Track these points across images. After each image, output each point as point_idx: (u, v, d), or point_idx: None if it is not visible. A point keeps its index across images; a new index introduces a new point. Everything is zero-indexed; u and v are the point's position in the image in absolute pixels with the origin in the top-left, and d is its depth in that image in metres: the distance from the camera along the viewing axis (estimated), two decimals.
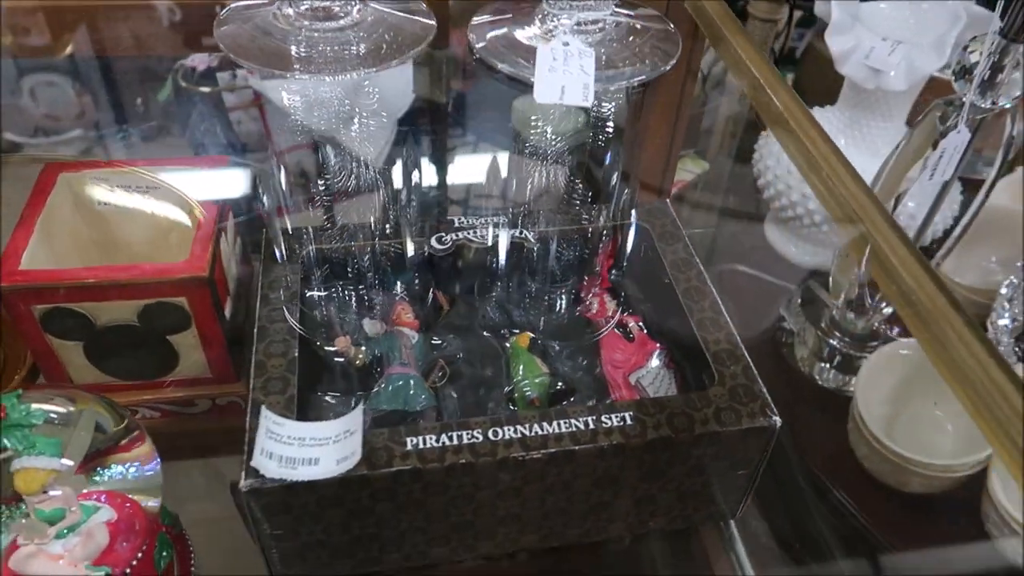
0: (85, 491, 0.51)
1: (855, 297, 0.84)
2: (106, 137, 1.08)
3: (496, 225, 0.64)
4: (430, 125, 1.04)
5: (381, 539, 0.54)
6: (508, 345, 0.61)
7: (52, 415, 0.46)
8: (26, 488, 0.46)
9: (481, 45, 0.58)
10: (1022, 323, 0.78)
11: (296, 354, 0.55)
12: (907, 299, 0.43)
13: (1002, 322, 0.79)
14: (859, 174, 0.49)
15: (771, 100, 0.53)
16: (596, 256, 0.64)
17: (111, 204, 0.65)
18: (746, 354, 0.56)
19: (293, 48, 0.57)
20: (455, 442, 0.50)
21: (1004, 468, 0.66)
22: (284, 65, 0.57)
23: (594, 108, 0.67)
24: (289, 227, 0.64)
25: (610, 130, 0.65)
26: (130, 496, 0.51)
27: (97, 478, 0.52)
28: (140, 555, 0.50)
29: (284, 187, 0.62)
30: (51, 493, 0.47)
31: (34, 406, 0.45)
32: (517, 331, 0.62)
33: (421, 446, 0.50)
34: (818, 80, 1.05)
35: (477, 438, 0.50)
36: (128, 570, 0.49)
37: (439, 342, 0.62)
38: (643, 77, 0.56)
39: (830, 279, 0.90)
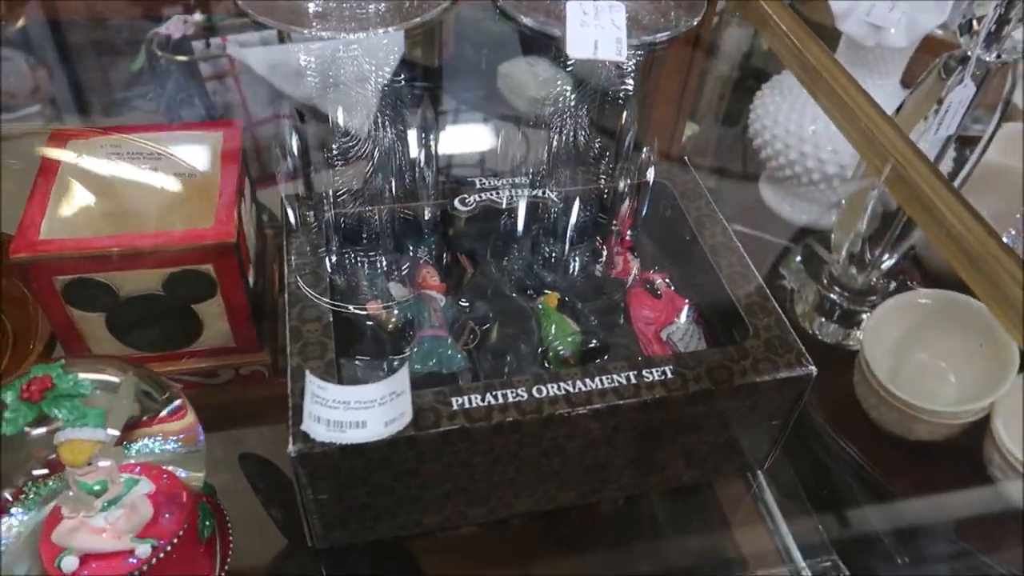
0: (123, 463, 0.50)
1: (857, 251, 0.86)
2: (82, 109, 1.05)
3: (518, 186, 0.64)
4: (422, 90, 1.03)
5: (423, 501, 0.54)
6: (539, 305, 0.60)
7: (98, 384, 0.45)
8: (73, 460, 0.45)
9: None
10: None
11: (331, 318, 0.54)
12: (950, 234, 0.44)
13: None
14: (895, 122, 0.50)
15: (802, 53, 0.54)
16: (618, 215, 0.64)
17: (121, 174, 0.63)
18: (777, 306, 0.57)
19: (311, 5, 0.56)
20: (500, 401, 0.50)
21: (1008, 411, 0.69)
22: (302, 22, 0.56)
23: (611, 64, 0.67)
24: (302, 192, 0.62)
25: (629, 88, 0.65)
26: (173, 469, 0.51)
27: (137, 450, 0.51)
28: (185, 526, 0.50)
29: (298, 152, 0.61)
30: (99, 464, 0.46)
31: (81, 376, 0.44)
32: (545, 291, 0.62)
33: (467, 406, 0.50)
34: None
35: (522, 396, 0.50)
36: (175, 541, 0.49)
37: (467, 305, 0.61)
38: (670, 33, 0.56)
39: (832, 235, 0.92)
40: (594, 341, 0.58)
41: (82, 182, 0.62)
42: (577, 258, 0.65)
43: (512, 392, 0.50)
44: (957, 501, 0.72)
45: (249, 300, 0.60)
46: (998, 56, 0.67)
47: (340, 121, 0.68)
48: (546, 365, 0.58)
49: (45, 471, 0.47)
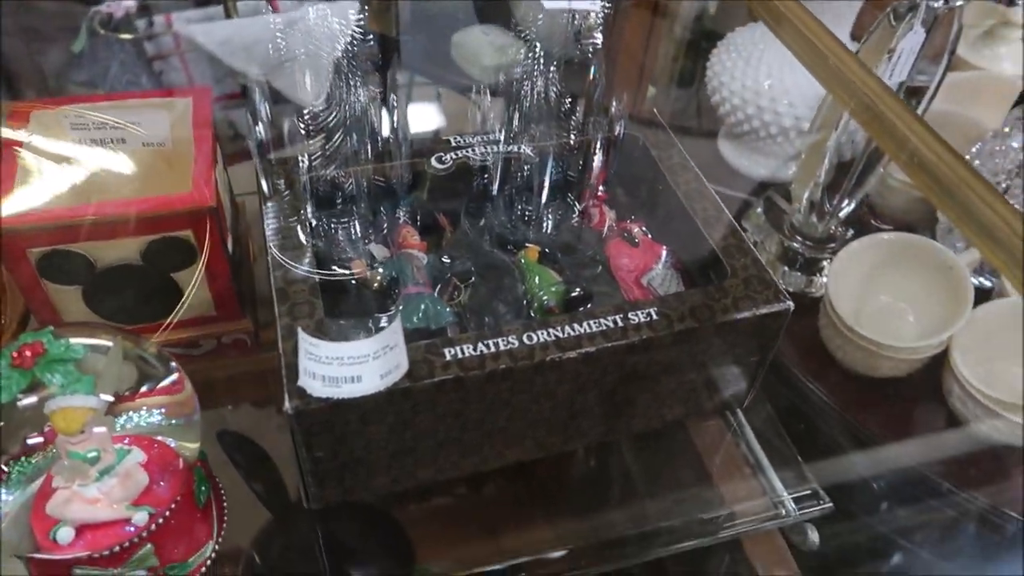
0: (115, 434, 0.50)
1: (817, 200, 0.88)
2: (18, 94, 1.02)
3: (493, 143, 0.64)
4: (380, 60, 1.02)
5: (417, 453, 0.55)
6: (520, 259, 0.61)
7: (88, 349, 0.45)
8: (67, 428, 0.45)
9: None
10: None
11: (317, 279, 0.54)
12: (923, 163, 0.46)
13: None
14: (861, 60, 0.52)
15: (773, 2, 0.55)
16: (591, 168, 0.65)
17: (87, 146, 0.62)
18: (753, 247, 0.59)
19: None
20: (492, 349, 0.51)
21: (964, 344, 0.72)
22: None
23: (578, 21, 0.68)
24: (274, 158, 0.62)
25: (598, 42, 0.66)
26: (164, 439, 0.50)
27: (127, 420, 0.50)
28: (182, 493, 0.49)
29: (268, 117, 0.60)
30: (91, 431, 0.46)
31: (73, 340, 0.44)
32: (526, 245, 0.63)
33: (460, 355, 0.50)
34: None
35: (513, 343, 0.51)
36: (172, 507, 0.49)
37: (449, 261, 0.62)
38: None
39: (791, 186, 0.94)
40: (577, 290, 0.59)
41: (47, 156, 0.61)
42: (554, 212, 0.65)
43: (503, 340, 0.51)
44: (921, 431, 0.76)
45: (230, 266, 0.60)
46: (945, 2, 0.69)
47: (293, 92, 0.67)
48: (532, 316, 0.59)
49: (38, 441, 0.46)
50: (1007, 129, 0.83)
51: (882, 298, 0.84)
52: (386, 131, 0.64)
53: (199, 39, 0.98)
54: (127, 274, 0.56)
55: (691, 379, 0.58)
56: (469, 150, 0.64)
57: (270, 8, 0.96)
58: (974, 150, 0.85)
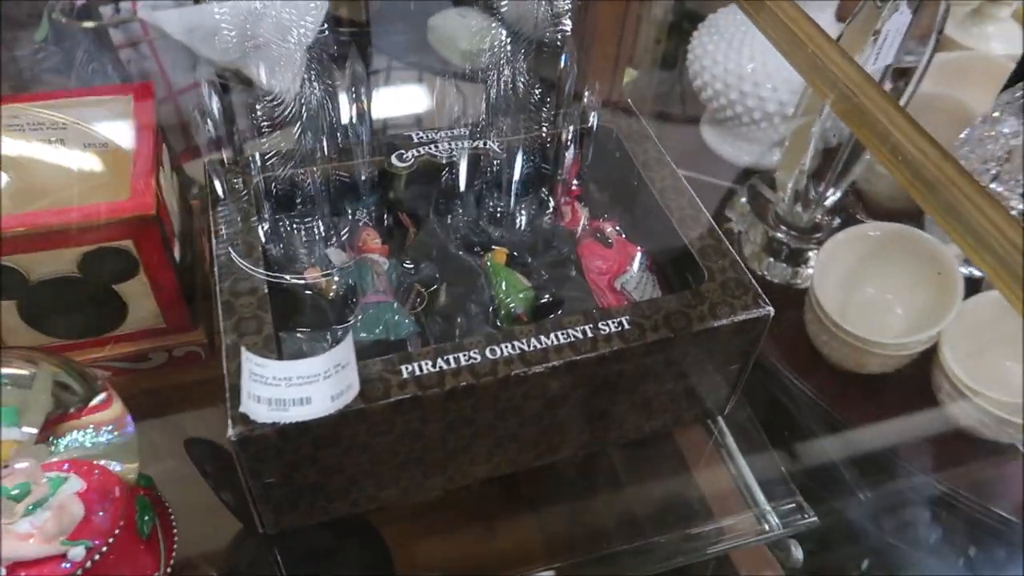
0: (46, 462, 0.47)
1: (802, 188, 0.85)
2: None
3: (457, 138, 0.61)
4: (350, 46, 0.98)
5: (377, 476, 0.52)
6: (487, 263, 0.58)
7: (7, 379, 0.41)
8: None
9: None
10: None
11: (266, 290, 0.51)
12: (906, 159, 0.43)
13: None
14: (842, 48, 0.48)
15: None
16: (563, 163, 0.62)
17: (21, 148, 0.58)
18: (731, 248, 0.55)
19: None
20: (453, 365, 0.48)
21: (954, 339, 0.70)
22: None
23: (547, 6, 0.64)
24: (227, 158, 0.58)
25: (567, 29, 0.62)
26: (103, 462, 0.47)
27: (63, 446, 0.47)
28: (122, 523, 0.46)
29: (220, 115, 0.56)
30: (15, 466, 0.42)
31: None
32: (493, 247, 0.59)
33: (418, 372, 0.47)
34: None
35: (475, 358, 0.48)
36: (111, 540, 0.45)
37: (412, 266, 0.58)
38: None
39: (776, 174, 0.91)
40: (546, 296, 0.56)
41: None
42: (524, 211, 0.62)
43: (464, 355, 0.48)
44: (911, 430, 0.73)
45: (177, 276, 0.56)
46: None
47: (264, 80, 0.64)
48: (498, 324, 0.55)
49: None
50: (997, 114, 0.80)
51: (869, 291, 0.81)
52: (347, 126, 0.61)
53: (164, 27, 0.94)
54: (64, 287, 0.53)
55: (668, 389, 0.55)
56: (432, 146, 0.61)
57: None
58: (963, 136, 0.82)
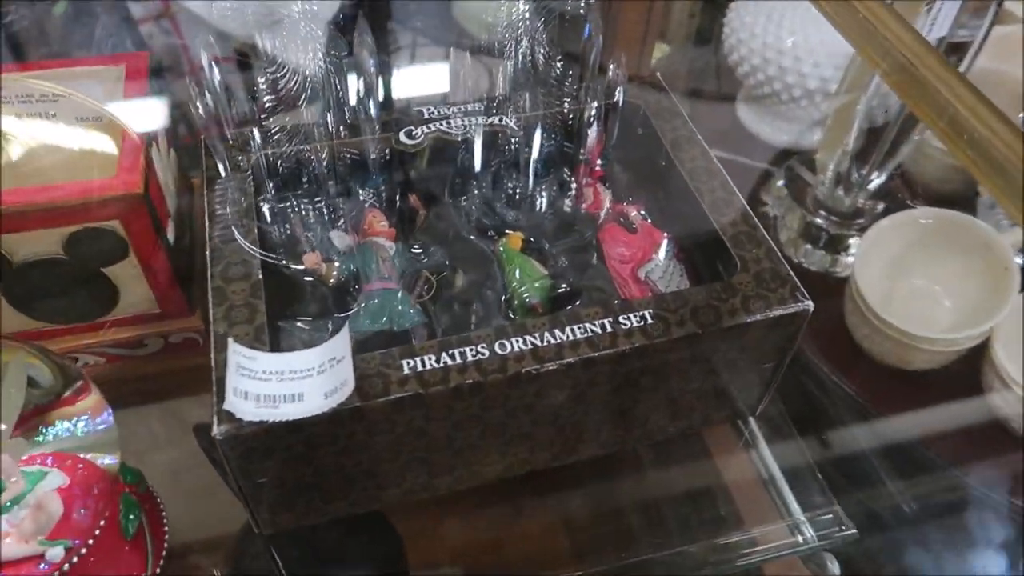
0: (26, 456, 0.44)
1: (844, 171, 0.80)
2: None
3: (471, 114, 0.57)
4: (371, 21, 0.94)
5: (378, 476, 0.48)
6: (500, 248, 0.54)
7: None
8: None
9: None
10: None
11: (260, 276, 0.47)
12: (972, 139, 0.38)
13: None
14: (897, 11, 0.43)
15: None
16: (585, 141, 0.57)
17: (10, 121, 0.55)
18: (767, 236, 0.51)
19: None
20: (458, 360, 0.44)
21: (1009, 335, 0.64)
22: None
23: None
24: (230, 134, 0.54)
25: None
26: (83, 456, 0.44)
27: (40, 439, 0.44)
28: (103, 522, 0.43)
29: (220, 86, 0.53)
30: None
31: None
32: (507, 232, 0.55)
33: (420, 368, 0.43)
34: None
35: (483, 353, 0.44)
36: (91, 541, 0.42)
37: (420, 251, 0.54)
38: None
39: (816, 155, 0.86)
40: (563, 286, 0.51)
41: None
42: (542, 193, 0.57)
43: (471, 350, 0.44)
44: (959, 433, 0.68)
45: (170, 259, 0.53)
46: None
47: (282, 55, 0.60)
48: (511, 315, 0.51)
49: None
50: None
51: (915, 281, 0.76)
52: (352, 102, 0.57)
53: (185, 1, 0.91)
54: (50, 269, 0.49)
55: (695, 388, 0.51)
56: (444, 122, 0.57)
57: None
58: (1022, 116, 0.77)
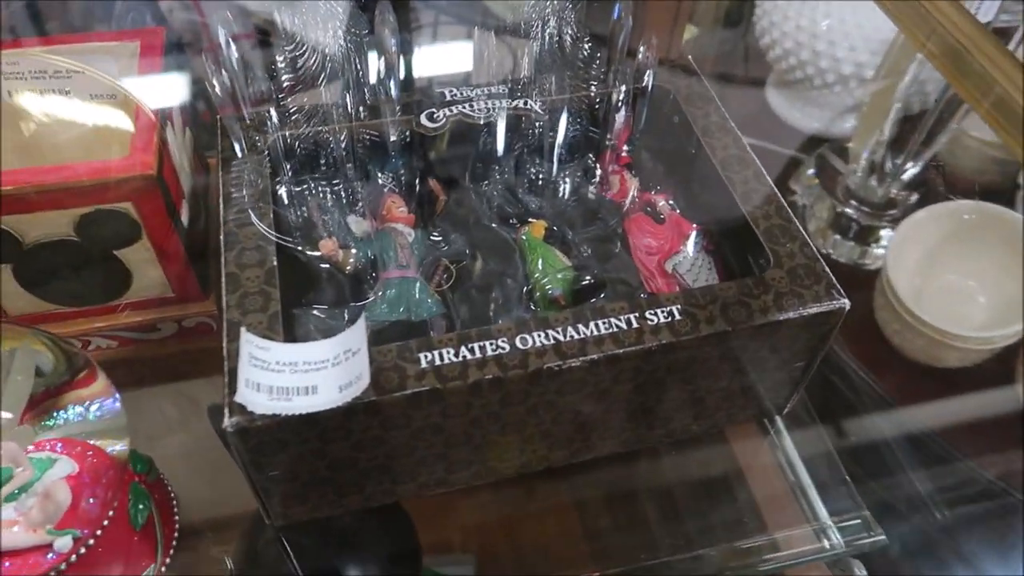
0: (35, 442, 0.43)
1: (878, 160, 0.78)
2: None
3: (494, 97, 0.55)
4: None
5: (393, 470, 0.47)
6: (522, 237, 0.52)
7: None
8: None
9: None
10: None
11: (275, 262, 0.46)
12: None
13: None
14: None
15: None
16: (612, 126, 0.55)
17: (23, 98, 0.53)
18: (803, 230, 0.48)
19: None
20: (478, 355, 0.42)
21: None
22: None
23: None
24: (247, 113, 0.53)
25: None
26: (102, 444, 0.43)
27: (50, 422, 0.43)
28: (112, 513, 0.42)
29: (238, 64, 0.51)
30: None
31: None
32: (530, 220, 0.53)
33: (438, 362, 0.42)
34: None
35: (503, 348, 0.42)
36: (99, 532, 0.41)
37: (439, 238, 0.53)
38: None
39: (849, 143, 0.83)
40: (587, 277, 0.50)
41: None
42: (566, 179, 0.56)
43: (491, 344, 0.42)
44: (994, 435, 0.66)
45: (184, 242, 0.51)
46: None
47: (287, 27, 0.58)
48: (532, 307, 0.50)
49: None
50: None
51: (949, 276, 0.74)
52: (372, 82, 0.55)
53: None
54: (61, 251, 0.48)
55: (722, 387, 0.49)
56: (467, 105, 0.55)
57: None
58: None
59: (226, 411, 0.39)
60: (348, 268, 0.50)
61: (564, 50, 0.57)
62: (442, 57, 0.96)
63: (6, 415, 0.38)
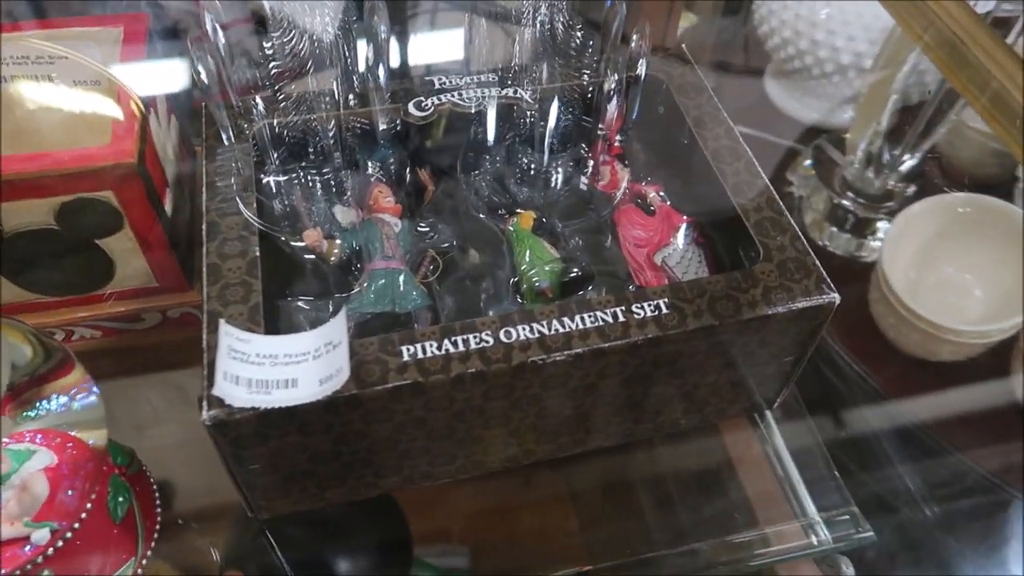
0: (14, 433, 0.42)
1: (875, 151, 0.77)
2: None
3: (484, 85, 0.54)
4: None
5: (376, 464, 0.46)
6: (510, 228, 0.51)
7: None
8: None
9: None
10: None
11: (257, 253, 0.45)
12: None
13: None
14: None
15: None
16: (604, 116, 0.54)
17: (8, 84, 0.53)
18: (793, 222, 0.48)
19: None
20: (461, 348, 0.41)
21: None
22: None
23: None
24: (234, 100, 0.52)
25: None
26: (84, 436, 0.42)
27: (32, 413, 0.43)
28: (90, 505, 0.42)
29: (224, 50, 0.50)
30: None
31: None
32: (518, 210, 0.52)
33: (420, 355, 0.41)
34: None
35: (487, 341, 0.42)
36: (77, 524, 0.41)
37: (426, 229, 0.52)
38: None
39: (847, 134, 0.82)
40: (575, 270, 0.49)
41: None
42: (556, 170, 0.55)
43: (475, 337, 0.42)
44: (988, 431, 0.65)
45: (168, 231, 0.51)
46: None
47: (275, 13, 0.57)
48: (520, 299, 0.49)
49: None
50: None
51: (946, 269, 0.73)
52: (362, 70, 0.54)
53: None
54: (42, 240, 0.48)
55: (710, 381, 0.48)
56: (456, 94, 0.54)
57: None
58: None
59: (204, 404, 0.39)
60: (332, 259, 0.49)
61: (556, 38, 0.57)
62: (438, 44, 0.95)
63: None
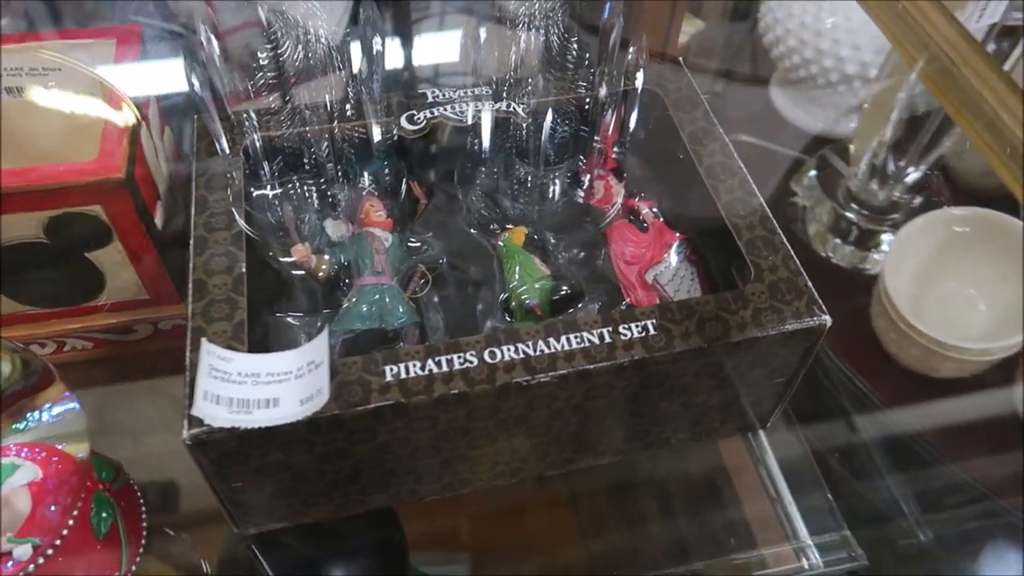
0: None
1: (879, 162, 0.76)
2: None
3: (478, 98, 0.53)
4: None
5: (362, 481, 0.46)
6: (500, 244, 0.51)
7: None
8: None
9: None
10: None
11: (244, 269, 0.45)
12: (1016, 150, 0.34)
13: None
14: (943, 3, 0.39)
15: None
16: (598, 130, 0.54)
17: (6, 93, 0.53)
18: (786, 241, 0.47)
19: None
20: (444, 368, 0.41)
21: None
22: None
23: None
24: (229, 111, 0.52)
25: None
26: (71, 450, 0.42)
27: (21, 425, 0.43)
28: (72, 521, 0.42)
29: (219, 61, 0.50)
30: None
31: None
32: (510, 226, 0.52)
33: (403, 375, 0.41)
34: None
35: (471, 362, 0.41)
36: (59, 541, 0.41)
37: (417, 244, 0.52)
38: None
39: (851, 144, 0.81)
40: (564, 288, 0.48)
41: None
42: (549, 184, 0.54)
43: (459, 357, 0.41)
44: (987, 449, 0.64)
45: (158, 244, 0.50)
46: None
47: (308, 24, 0.57)
48: (508, 318, 0.49)
49: None
50: None
51: (949, 284, 0.72)
52: (356, 81, 0.54)
53: None
54: (32, 253, 0.48)
55: (699, 403, 0.48)
56: (449, 107, 0.53)
57: None
58: None
59: (185, 423, 0.39)
60: (321, 274, 0.49)
61: (551, 50, 0.56)
62: (443, 49, 0.95)
63: None
